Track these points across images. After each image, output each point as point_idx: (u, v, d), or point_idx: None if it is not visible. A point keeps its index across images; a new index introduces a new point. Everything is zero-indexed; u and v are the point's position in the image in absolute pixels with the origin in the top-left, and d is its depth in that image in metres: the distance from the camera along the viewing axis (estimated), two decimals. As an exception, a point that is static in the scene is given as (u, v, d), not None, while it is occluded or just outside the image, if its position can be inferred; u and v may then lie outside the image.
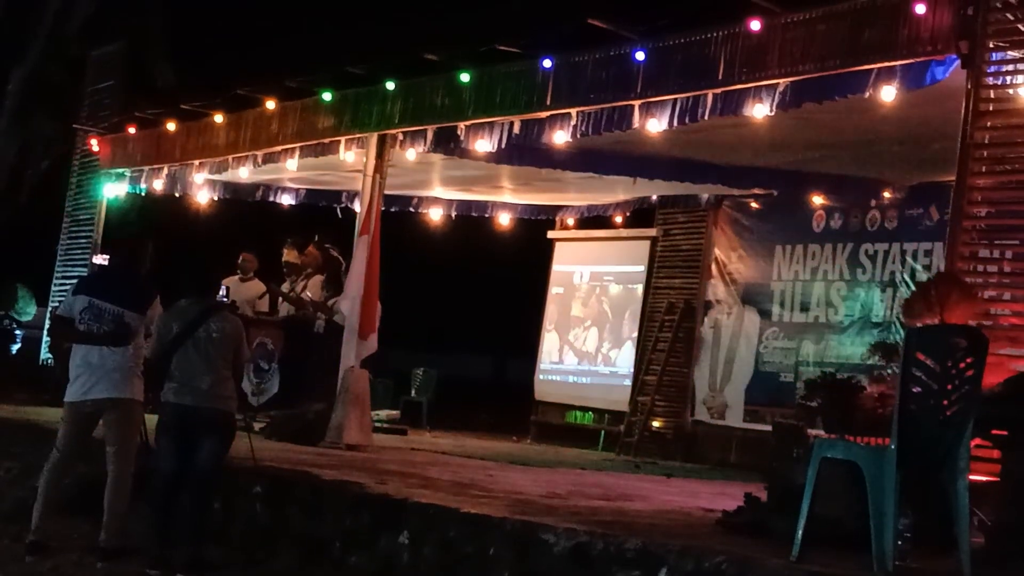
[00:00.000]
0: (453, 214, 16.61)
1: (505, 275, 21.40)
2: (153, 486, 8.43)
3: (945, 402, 6.09)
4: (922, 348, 6.14)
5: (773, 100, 9.06)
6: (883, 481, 6.04)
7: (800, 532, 6.25)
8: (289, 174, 14.61)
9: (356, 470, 9.45)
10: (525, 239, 17.56)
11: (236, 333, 8.68)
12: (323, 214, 15.88)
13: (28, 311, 18.20)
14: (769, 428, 8.81)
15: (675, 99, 9.73)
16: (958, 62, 7.97)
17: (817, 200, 13.73)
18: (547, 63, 10.62)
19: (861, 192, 13.21)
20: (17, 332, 18.11)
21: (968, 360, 6.14)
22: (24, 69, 20.80)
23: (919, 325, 6.94)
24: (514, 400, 17.63)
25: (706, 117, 9.55)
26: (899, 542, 6.11)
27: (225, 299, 10.71)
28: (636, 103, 9.94)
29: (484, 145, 11.31)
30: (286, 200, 16.24)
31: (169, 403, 8.44)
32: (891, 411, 6.22)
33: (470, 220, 16.86)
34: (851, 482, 6.38)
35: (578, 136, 10.60)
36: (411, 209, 16.27)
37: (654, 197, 15.36)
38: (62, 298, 9.77)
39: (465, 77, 11.26)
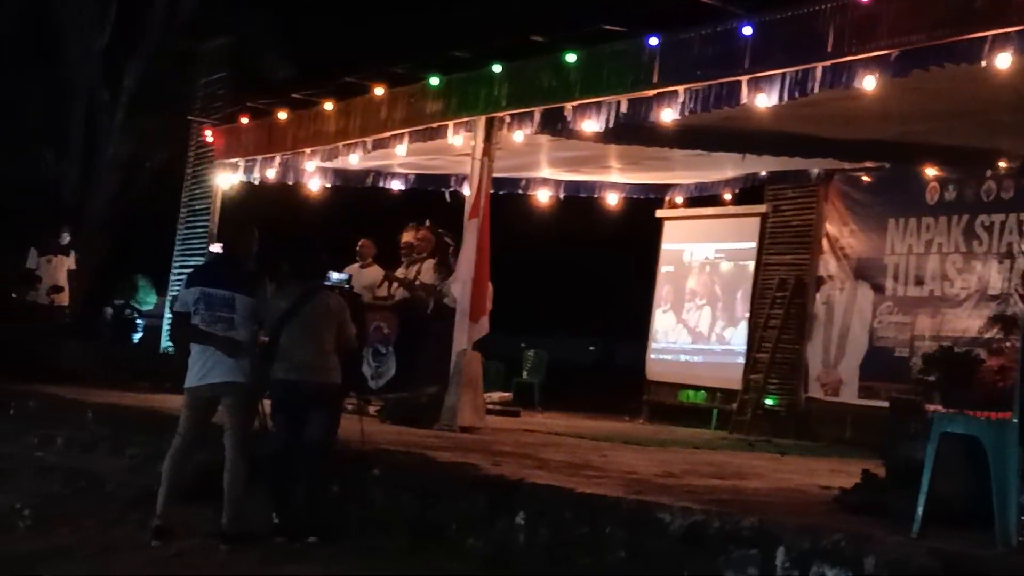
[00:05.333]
0: (561, 195, 16.59)
1: (613, 256, 21.35)
2: (269, 461, 8.61)
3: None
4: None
5: (884, 71, 8.93)
6: (1005, 456, 5.95)
7: (920, 509, 6.18)
8: (398, 159, 14.71)
9: (470, 452, 9.51)
10: (633, 219, 17.49)
11: (338, 309, 8.86)
12: (432, 199, 15.97)
13: (148, 301, 18.61)
14: (884, 404, 8.71)
15: (784, 73, 9.61)
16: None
17: (930, 172, 13.50)
18: (653, 41, 10.55)
19: (975, 163, 12.96)
20: (138, 321, 18.53)
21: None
22: (138, 65, 21.25)
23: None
24: (624, 380, 17.62)
25: (816, 90, 9.44)
26: (1022, 517, 6.02)
27: (347, 286, 10.89)
28: (744, 79, 9.84)
29: (591, 125, 11.28)
30: (396, 185, 16.35)
31: (278, 380, 8.67)
32: (1012, 384, 6.12)
33: (578, 201, 16.84)
34: (970, 457, 6.29)
35: (686, 114, 10.52)
36: (519, 191, 16.29)
37: (763, 173, 15.21)
38: (180, 287, 9.98)
39: (571, 58, 11.24)
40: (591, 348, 30.37)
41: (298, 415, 8.63)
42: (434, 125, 12.71)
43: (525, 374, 16.77)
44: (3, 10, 21.12)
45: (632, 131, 12.10)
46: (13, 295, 16.94)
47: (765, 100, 9.82)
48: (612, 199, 16.74)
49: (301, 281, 8.92)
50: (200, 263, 14.80)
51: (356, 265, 13.91)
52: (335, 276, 10.97)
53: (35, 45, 21.38)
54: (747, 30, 9.76)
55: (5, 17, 21.17)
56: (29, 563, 7.94)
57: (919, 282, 13.62)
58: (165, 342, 16.85)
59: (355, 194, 16.72)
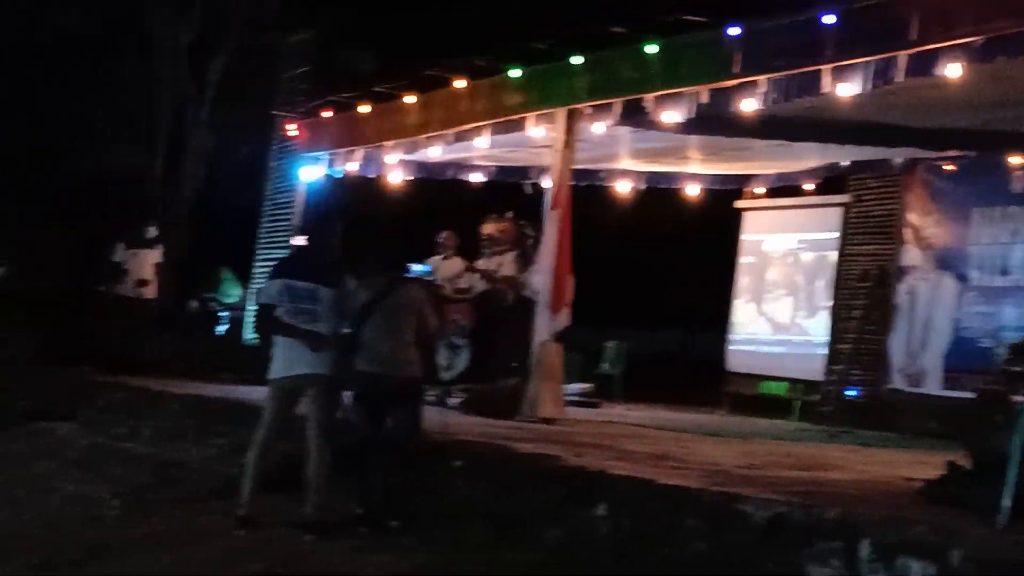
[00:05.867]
0: (640, 187, 16.56)
1: (693, 247, 21.26)
2: (351, 452, 8.70)
3: None
4: None
5: (969, 59, 8.83)
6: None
7: (1007, 501, 6.12)
8: (479, 152, 14.74)
9: (551, 443, 9.54)
10: (712, 210, 17.41)
11: (419, 301, 8.94)
12: (512, 191, 16.01)
13: (232, 293, 18.80)
14: (969, 395, 8.64)
15: (866, 62, 9.53)
16: None
17: (1015, 160, 13.30)
18: (733, 31, 10.50)
19: (1063, 151, 12.79)
20: (222, 314, 18.74)
21: None
22: (221, 59, 21.50)
23: None
24: (704, 372, 17.56)
25: (899, 79, 9.35)
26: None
27: (430, 278, 10.97)
28: (826, 68, 9.76)
29: (672, 116, 11.26)
30: (476, 178, 16.38)
31: (360, 372, 8.75)
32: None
33: (657, 192, 16.79)
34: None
35: (767, 104, 10.47)
36: (599, 183, 16.28)
37: (845, 163, 15.07)
38: (264, 280, 10.11)
39: (651, 49, 11.20)
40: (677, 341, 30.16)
41: (379, 407, 8.73)
42: (514, 117, 12.73)
43: (605, 365, 16.76)
44: (92, 7, 21.45)
45: (712, 122, 12.05)
46: (101, 288, 17.20)
47: (847, 89, 9.75)
48: (691, 190, 16.68)
49: (384, 273, 9.00)
50: (283, 256, 14.94)
51: (438, 257, 14.00)
52: (416, 268, 11.05)
53: (123, 41, 21.69)
54: (829, 19, 9.69)
55: (94, 14, 21.50)
56: (120, 551, 8.09)
57: (1004, 272, 13.44)
58: (248, 334, 17.04)
59: (435, 186, 16.79)
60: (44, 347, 15.14)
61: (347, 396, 9.08)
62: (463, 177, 16.39)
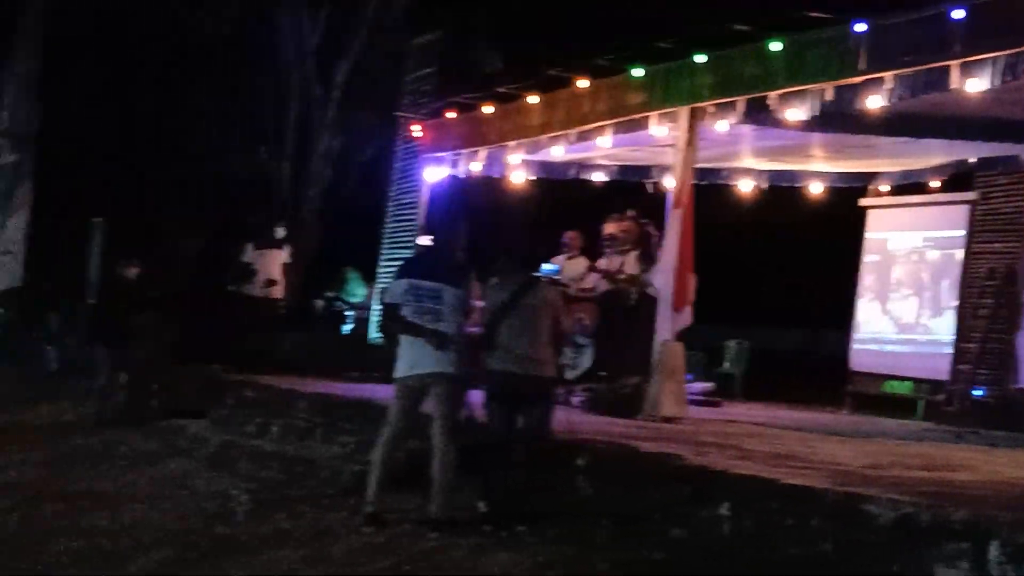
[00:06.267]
0: (763, 185, 16.46)
1: (815, 245, 21.07)
2: (480, 450, 8.80)
3: None
4: None
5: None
6: None
7: None
8: (600, 151, 14.78)
9: (673, 442, 9.55)
10: (835, 208, 17.23)
11: (555, 302, 9.02)
12: (634, 190, 16.01)
13: (357, 293, 19.05)
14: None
15: (996, 57, 9.38)
16: None
17: None
18: (859, 27, 10.39)
19: None
20: (347, 313, 19.01)
21: None
22: (348, 62, 21.81)
23: None
24: (827, 371, 17.38)
25: (1031, 74, 9.20)
26: None
27: (557, 277, 11.04)
28: (954, 63, 9.63)
29: (796, 114, 11.17)
30: (598, 177, 16.41)
31: (495, 371, 8.83)
32: None
33: (779, 191, 16.67)
34: None
35: (893, 100, 10.35)
36: (720, 181, 16.21)
37: (972, 159, 14.82)
38: (388, 280, 10.26)
39: (775, 46, 11.12)
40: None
41: (513, 406, 8.81)
42: (637, 116, 12.73)
43: (727, 364, 16.68)
44: (222, 14, 21.93)
45: (837, 119, 11.95)
46: (230, 288, 17.54)
47: (976, 85, 9.60)
48: (814, 188, 16.53)
49: (518, 273, 9.08)
50: (409, 256, 15.11)
51: (562, 257, 14.06)
52: (545, 268, 11.11)
53: (252, 47, 22.12)
54: (958, 14, 9.54)
55: (224, 21, 21.97)
56: (250, 547, 8.27)
57: None
58: (373, 333, 17.24)
59: (557, 186, 16.86)
60: (176, 346, 15.51)
61: (476, 395, 9.19)
62: (584, 176, 16.42)
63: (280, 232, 18.09)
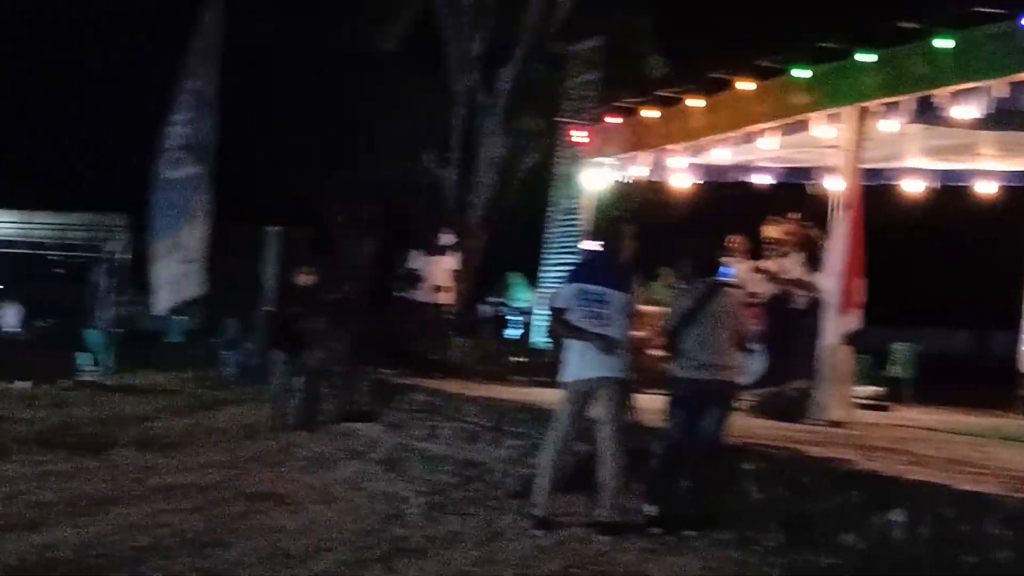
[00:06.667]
0: (930, 185, 16.14)
1: (986, 245, 20.60)
2: (661, 453, 8.87)
3: None
4: None
5: None
6: None
7: None
8: (763, 153, 14.67)
9: (841, 447, 9.47)
10: (1007, 207, 16.82)
11: (739, 308, 9.08)
12: (794, 192, 15.86)
13: (521, 297, 19.21)
14: None
15: None
16: None
17: None
18: (1027, 22, 10.18)
19: None
20: (511, 318, 19.18)
21: None
22: (511, 69, 22.02)
23: None
24: (998, 373, 16.96)
25: None
26: None
27: (732, 280, 11.03)
28: None
29: (966, 112, 10.95)
30: (761, 179, 16.30)
31: (681, 377, 8.88)
32: None
33: (948, 191, 16.32)
34: None
35: (1068, 96, 10.12)
36: (887, 182, 15.96)
37: None
38: (551, 284, 10.37)
39: (944, 43, 10.93)
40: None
41: (697, 412, 8.85)
42: (801, 117, 12.62)
43: (895, 368, 16.41)
44: (390, 24, 22.35)
45: (1009, 116, 11.69)
46: (400, 294, 17.85)
47: None
48: (983, 187, 16.15)
49: (701, 279, 9.13)
50: (578, 260, 15.22)
51: (734, 261, 13.97)
52: (723, 272, 11.11)
53: (418, 55, 22.49)
54: None
55: (392, 31, 22.39)
56: (424, 548, 8.42)
57: None
58: (538, 336, 17.36)
59: (719, 189, 16.78)
60: (348, 351, 15.84)
61: (638, 398, 9.24)
62: (746, 179, 16.32)
63: (449, 239, 18.30)
